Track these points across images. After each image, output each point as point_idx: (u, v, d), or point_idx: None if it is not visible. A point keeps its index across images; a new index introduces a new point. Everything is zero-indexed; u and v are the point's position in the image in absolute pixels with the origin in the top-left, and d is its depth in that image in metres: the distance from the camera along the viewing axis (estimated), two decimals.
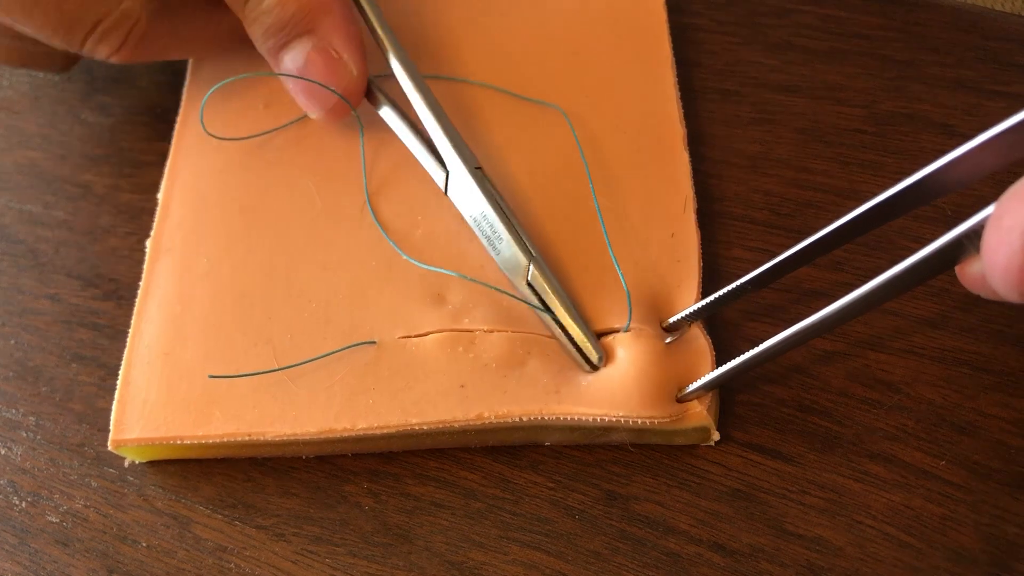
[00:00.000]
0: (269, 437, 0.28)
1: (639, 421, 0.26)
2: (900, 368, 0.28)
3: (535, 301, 0.28)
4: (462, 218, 0.29)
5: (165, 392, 0.29)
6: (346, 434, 0.27)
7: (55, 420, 0.31)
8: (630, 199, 0.31)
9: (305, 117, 0.34)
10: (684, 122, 0.33)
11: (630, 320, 0.28)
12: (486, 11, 0.36)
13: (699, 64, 0.36)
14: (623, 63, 0.34)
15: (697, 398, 0.27)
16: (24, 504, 0.30)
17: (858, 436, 0.27)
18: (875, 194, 0.24)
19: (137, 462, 0.30)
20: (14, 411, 0.31)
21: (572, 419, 0.27)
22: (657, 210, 0.31)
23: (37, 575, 0.28)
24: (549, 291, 0.28)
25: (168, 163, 0.34)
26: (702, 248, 0.30)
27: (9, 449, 0.31)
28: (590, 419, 0.27)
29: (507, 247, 0.28)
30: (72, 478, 0.30)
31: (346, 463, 0.29)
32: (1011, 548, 0.25)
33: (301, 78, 0.31)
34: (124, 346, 0.30)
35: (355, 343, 0.29)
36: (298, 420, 0.28)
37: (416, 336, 0.29)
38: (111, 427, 0.28)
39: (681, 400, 0.27)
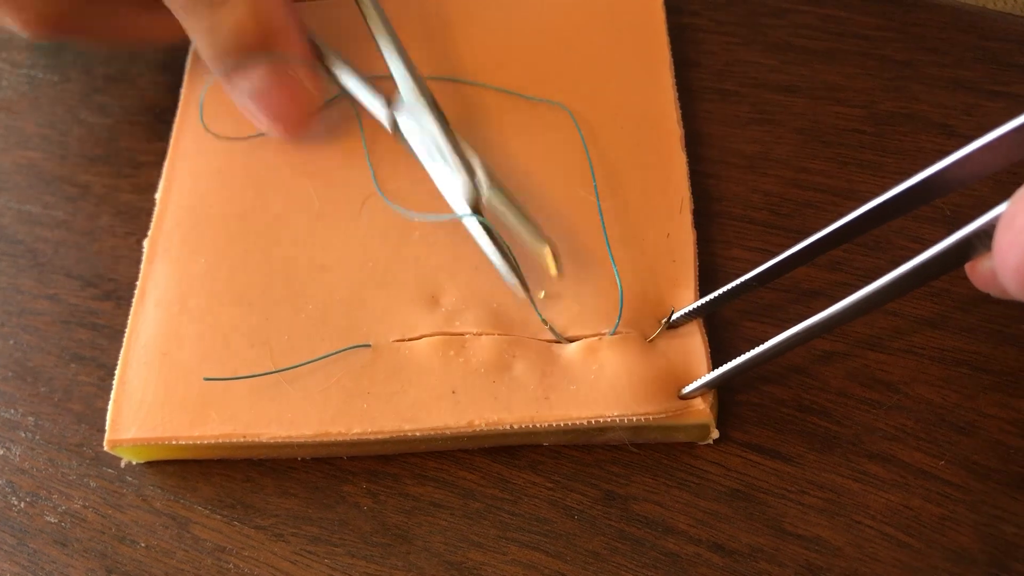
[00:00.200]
0: (265, 439, 0.27)
1: (636, 418, 0.26)
2: (899, 368, 0.28)
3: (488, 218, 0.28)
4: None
5: (161, 392, 0.29)
6: (341, 438, 0.27)
7: (54, 420, 0.31)
8: (627, 199, 0.31)
9: None
10: (682, 122, 0.33)
11: (619, 323, 0.28)
12: (486, 10, 0.36)
13: (698, 64, 0.36)
14: (621, 63, 0.34)
15: (700, 395, 0.27)
16: (23, 504, 0.29)
17: (857, 436, 0.27)
18: (874, 194, 0.24)
19: (134, 462, 0.29)
20: (13, 411, 0.31)
21: (565, 424, 0.27)
22: (653, 210, 0.31)
23: (36, 575, 0.28)
24: (502, 207, 0.28)
25: (166, 163, 0.34)
26: (700, 248, 0.30)
27: (8, 449, 0.31)
28: (583, 422, 0.27)
29: (455, 165, 0.29)
30: (71, 478, 0.30)
31: (345, 463, 0.29)
32: (1010, 548, 0.25)
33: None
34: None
35: (350, 346, 0.29)
36: (294, 423, 0.28)
37: (409, 339, 0.29)
38: (107, 427, 0.28)
39: (683, 398, 0.27)
